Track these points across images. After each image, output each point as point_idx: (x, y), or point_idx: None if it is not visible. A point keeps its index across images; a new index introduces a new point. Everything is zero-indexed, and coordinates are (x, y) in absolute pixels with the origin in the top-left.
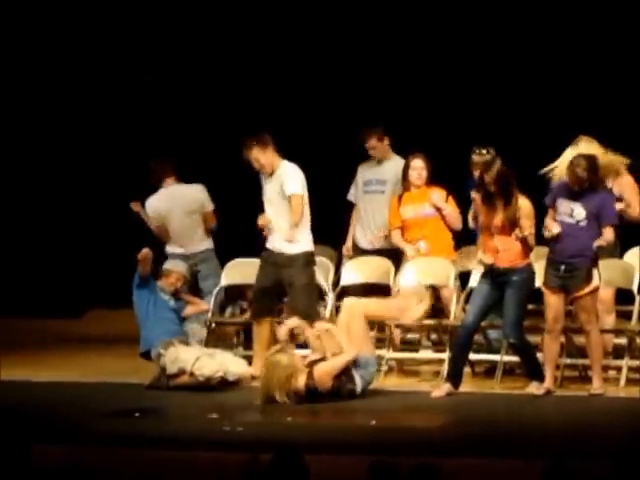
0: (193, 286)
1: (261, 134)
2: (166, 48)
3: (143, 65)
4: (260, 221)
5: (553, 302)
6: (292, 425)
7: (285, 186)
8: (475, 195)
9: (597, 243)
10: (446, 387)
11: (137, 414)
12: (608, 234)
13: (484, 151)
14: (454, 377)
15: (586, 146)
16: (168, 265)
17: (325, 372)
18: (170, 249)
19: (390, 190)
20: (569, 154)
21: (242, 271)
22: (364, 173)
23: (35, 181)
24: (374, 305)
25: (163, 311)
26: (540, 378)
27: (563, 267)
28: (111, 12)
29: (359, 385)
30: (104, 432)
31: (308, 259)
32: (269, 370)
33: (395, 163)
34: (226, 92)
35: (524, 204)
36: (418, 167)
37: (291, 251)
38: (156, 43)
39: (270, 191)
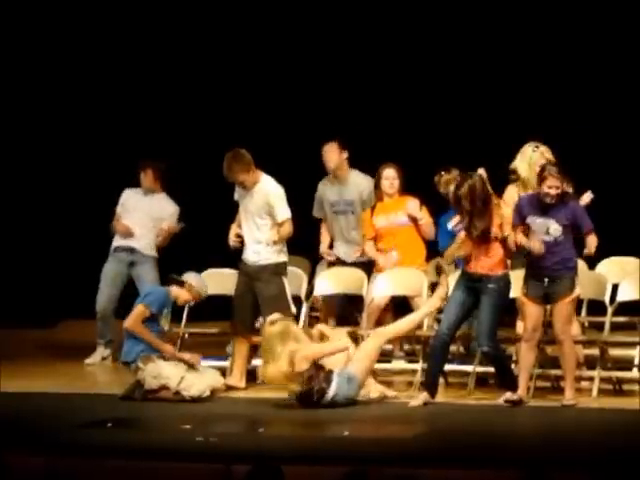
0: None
1: (241, 155)
2: (155, 53)
3: (138, 66)
4: (232, 242)
5: (533, 312)
6: (266, 436)
7: (275, 212)
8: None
9: (587, 253)
10: (423, 396)
11: (109, 424)
12: (591, 241)
13: (449, 175)
14: (430, 386)
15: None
16: (192, 280)
17: (305, 356)
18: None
19: (358, 209)
20: (535, 161)
21: (214, 282)
22: (327, 193)
23: (8, 193)
24: (404, 325)
25: (153, 325)
26: (513, 388)
27: (547, 279)
28: (109, 13)
29: (332, 390)
30: (76, 443)
31: (277, 270)
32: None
33: (354, 181)
34: (210, 99)
35: (507, 213)
36: (390, 177)
37: (261, 262)
38: (151, 45)
39: (250, 204)
